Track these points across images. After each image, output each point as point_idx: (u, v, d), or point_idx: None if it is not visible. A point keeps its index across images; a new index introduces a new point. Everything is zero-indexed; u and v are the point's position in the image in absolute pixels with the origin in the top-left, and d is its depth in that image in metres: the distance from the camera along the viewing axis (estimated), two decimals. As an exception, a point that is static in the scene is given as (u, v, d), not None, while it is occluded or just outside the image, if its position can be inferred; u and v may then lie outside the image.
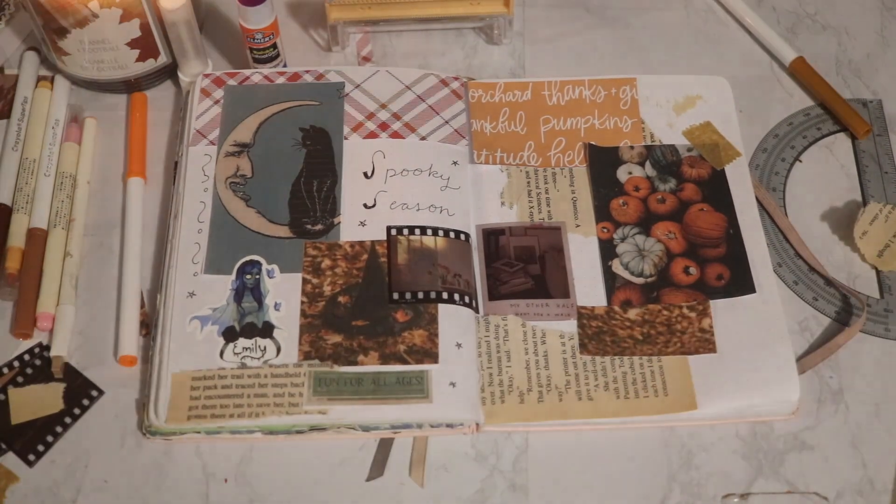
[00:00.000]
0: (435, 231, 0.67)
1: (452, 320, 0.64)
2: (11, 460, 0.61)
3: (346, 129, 0.72)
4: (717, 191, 0.71)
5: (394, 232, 0.67)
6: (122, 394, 0.63)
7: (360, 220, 0.68)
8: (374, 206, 0.68)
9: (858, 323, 0.66)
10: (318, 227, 0.68)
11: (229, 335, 0.63)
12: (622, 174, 0.72)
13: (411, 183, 0.70)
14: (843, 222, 0.72)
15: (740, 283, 0.67)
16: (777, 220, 0.71)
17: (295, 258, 0.66)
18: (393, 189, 0.69)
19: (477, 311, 0.65)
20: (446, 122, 0.73)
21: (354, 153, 0.71)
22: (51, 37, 0.73)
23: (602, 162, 0.73)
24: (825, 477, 0.61)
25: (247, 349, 0.63)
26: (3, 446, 0.61)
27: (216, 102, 0.73)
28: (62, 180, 0.72)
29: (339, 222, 0.68)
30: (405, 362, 0.62)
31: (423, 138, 0.72)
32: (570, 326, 0.65)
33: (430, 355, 0.62)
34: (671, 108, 0.75)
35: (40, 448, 0.61)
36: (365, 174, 0.70)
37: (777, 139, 0.76)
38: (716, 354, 0.64)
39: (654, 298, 0.66)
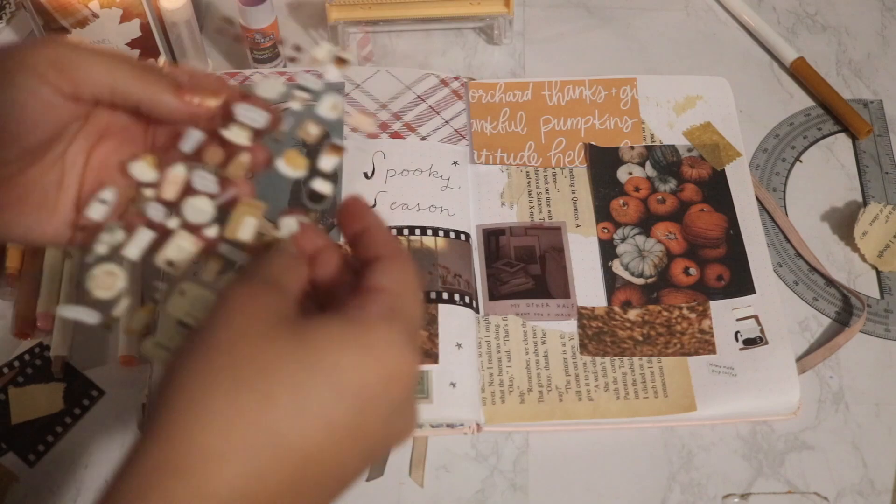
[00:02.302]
0: (435, 231, 0.67)
1: (452, 320, 0.64)
2: (11, 460, 0.61)
3: (346, 129, 0.72)
4: (717, 191, 0.71)
5: (394, 232, 0.67)
6: (122, 394, 0.63)
7: (360, 221, 0.68)
8: (374, 206, 0.68)
9: (858, 323, 0.66)
10: (319, 227, 0.67)
11: (229, 335, 0.63)
12: (622, 174, 0.72)
13: (411, 183, 0.70)
14: (843, 222, 0.72)
15: (740, 283, 0.67)
16: (777, 221, 0.71)
17: (295, 258, 0.66)
18: (393, 189, 0.69)
19: (477, 311, 0.65)
20: (446, 123, 0.73)
21: (355, 153, 0.71)
22: (51, 37, 0.73)
23: (602, 162, 0.73)
24: (825, 477, 0.61)
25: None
26: (3, 446, 0.61)
27: None
28: (62, 180, 0.72)
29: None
30: (405, 362, 0.62)
31: (423, 138, 0.72)
32: (571, 327, 0.65)
33: (431, 355, 0.62)
34: (671, 109, 0.75)
35: (40, 448, 0.61)
36: (365, 174, 0.70)
37: (777, 139, 0.76)
38: (716, 355, 0.64)
39: (654, 299, 0.66)
